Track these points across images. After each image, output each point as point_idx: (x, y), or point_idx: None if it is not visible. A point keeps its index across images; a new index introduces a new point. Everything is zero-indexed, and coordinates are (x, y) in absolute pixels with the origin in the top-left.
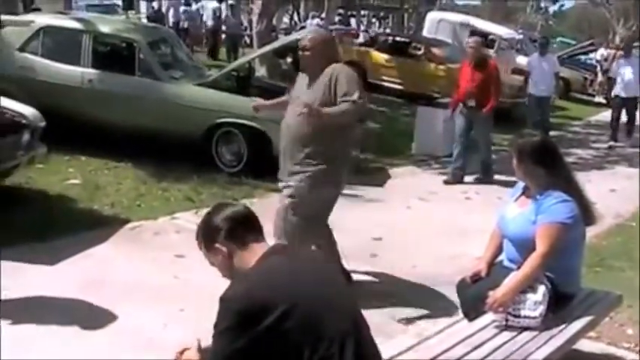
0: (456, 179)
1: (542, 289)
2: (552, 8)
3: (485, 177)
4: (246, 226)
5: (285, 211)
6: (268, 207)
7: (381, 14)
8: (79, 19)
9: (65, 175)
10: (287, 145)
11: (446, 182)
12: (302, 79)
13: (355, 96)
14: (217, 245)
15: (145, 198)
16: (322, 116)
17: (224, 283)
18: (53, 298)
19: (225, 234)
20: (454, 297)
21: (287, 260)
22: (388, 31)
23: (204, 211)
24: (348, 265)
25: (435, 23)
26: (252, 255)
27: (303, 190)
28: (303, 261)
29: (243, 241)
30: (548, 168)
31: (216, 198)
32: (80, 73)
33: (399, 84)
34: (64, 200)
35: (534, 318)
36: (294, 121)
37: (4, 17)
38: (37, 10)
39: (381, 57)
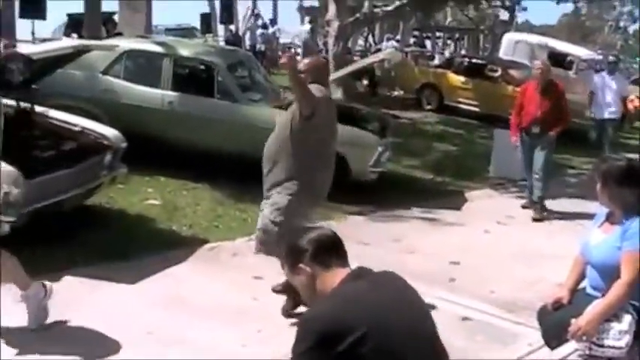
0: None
1: (627, 318)
2: (632, 27)
3: (541, 201)
4: (331, 250)
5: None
6: (346, 230)
7: (457, 35)
8: (160, 43)
9: (145, 196)
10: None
11: (524, 207)
12: None
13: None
14: (302, 266)
15: (223, 219)
16: (295, 71)
17: (302, 305)
18: (134, 315)
19: (311, 256)
20: (533, 323)
21: (369, 284)
22: (463, 52)
23: None
24: (426, 288)
25: (512, 45)
26: (335, 278)
27: (281, 201)
28: (385, 285)
29: (327, 264)
30: (635, 192)
31: None
32: (160, 95)
33: (476, 106)
34: (144, 220)
35: (619, 348)
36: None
37: (90, 42)
38: (119, 34)
39: (457, 79)
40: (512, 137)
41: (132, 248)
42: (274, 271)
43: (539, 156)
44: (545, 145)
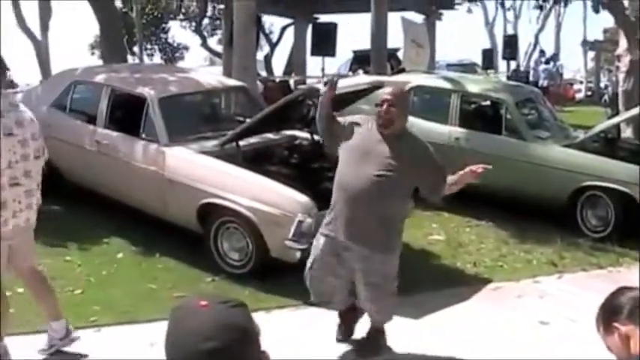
0: None
1: None
2: None
3: None
4: None
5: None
6: (635, 277)
7: None
8: (448, 79)
9: (429, 230)
10: (347, 205)
11: None
12: (366, 130)
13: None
14: (616, 324)
15: (507, 259)
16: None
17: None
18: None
19: (627, 313)
20: None
21: None
22: None
23: (568, 276)
24: None
25: None
26: None
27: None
28: None
29: None
30: None
31: (580, 264)
32: (448, 131)
33: None
34: (428, 255)
35: None
36: (357, 180)
37: (383, 78)
38: (403, 70)
39: None
40: None
41: (415, 282)
42: (561, 316)
43: None
44: None
